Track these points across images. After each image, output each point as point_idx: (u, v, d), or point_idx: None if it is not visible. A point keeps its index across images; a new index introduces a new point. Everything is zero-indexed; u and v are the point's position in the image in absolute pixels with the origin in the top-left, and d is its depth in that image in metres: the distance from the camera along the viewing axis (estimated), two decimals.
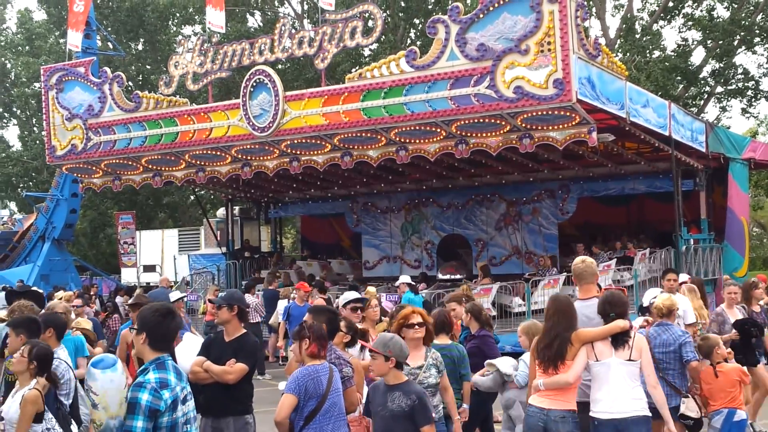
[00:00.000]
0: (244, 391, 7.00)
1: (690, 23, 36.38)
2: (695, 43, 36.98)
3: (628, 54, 33.69)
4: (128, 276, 34.30)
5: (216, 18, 19.94)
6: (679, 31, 38.20)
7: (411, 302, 14.60)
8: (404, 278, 17.01)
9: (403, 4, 36.76)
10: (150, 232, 38.09)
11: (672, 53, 36.36)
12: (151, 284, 29.66)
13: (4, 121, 49.53)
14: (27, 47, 45.70)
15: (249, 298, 15.99)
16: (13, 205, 48.60)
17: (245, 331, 7.20)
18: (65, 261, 30.09)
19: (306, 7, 40.71)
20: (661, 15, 36.82)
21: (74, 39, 23.15)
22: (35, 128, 45.93)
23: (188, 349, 7.34)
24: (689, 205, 20.26)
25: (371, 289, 14.32)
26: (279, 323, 16.14)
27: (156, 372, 4.69)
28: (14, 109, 47.37)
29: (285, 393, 5.87)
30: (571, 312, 6.64)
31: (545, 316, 6.79)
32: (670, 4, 36.37)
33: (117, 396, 4.79)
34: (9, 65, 46.19)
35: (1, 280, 25.72)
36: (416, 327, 6.87)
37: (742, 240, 21.04)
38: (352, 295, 8.92)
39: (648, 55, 34.75)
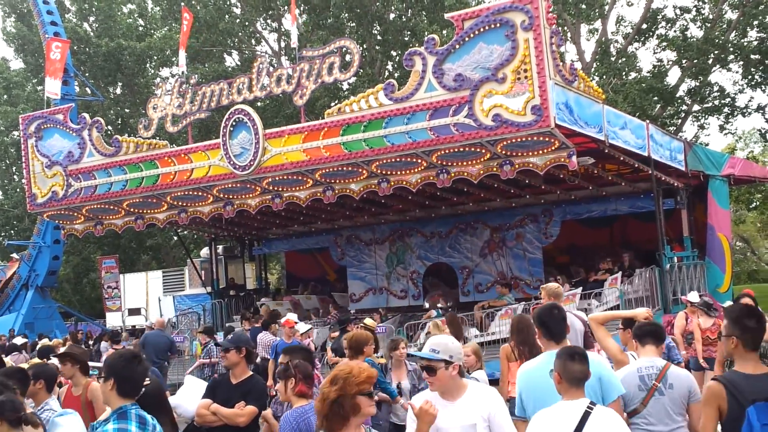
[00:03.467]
0: None
1: (664, 44, 36.79)
2: (670, 63, 37.37)
3: (604, 77, 33.97)
4: (113, 320, 34.03)
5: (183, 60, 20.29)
6: (654, 52, 38.80)
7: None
8: (291, 315, 16.14)
9: (379, 37, 36.96)
10: (134, 275, 37.81)
11: (648, 74, 36.71)
12: (137, 327, 29.45)
13: None
14: (5, 96, 45.67)
15: (269, 336, 15.54)
16: None
17: (252, 373, 7.15)
18: (49, 308, 29.93)
19: (283, 44, 40.91)
20: (636, 37, 37.24)
21: (52, 86, 23.16)
22: (15, 176, 45.78)
23: (191, 391, 7.26)
24: (671, 224, 20.36)
25: (369, 321, 13.95)
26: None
27: (116, 423, 4.59)
28: None
29: None
30: (532, 325, 7.92)
31: (514, 330, 8.15)
32: (644, 26, 36.78)
33: None
34: None
35: None
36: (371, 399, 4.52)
37: (724, 256, 21.11)
38: None
39: (624, 76, 35.07)
